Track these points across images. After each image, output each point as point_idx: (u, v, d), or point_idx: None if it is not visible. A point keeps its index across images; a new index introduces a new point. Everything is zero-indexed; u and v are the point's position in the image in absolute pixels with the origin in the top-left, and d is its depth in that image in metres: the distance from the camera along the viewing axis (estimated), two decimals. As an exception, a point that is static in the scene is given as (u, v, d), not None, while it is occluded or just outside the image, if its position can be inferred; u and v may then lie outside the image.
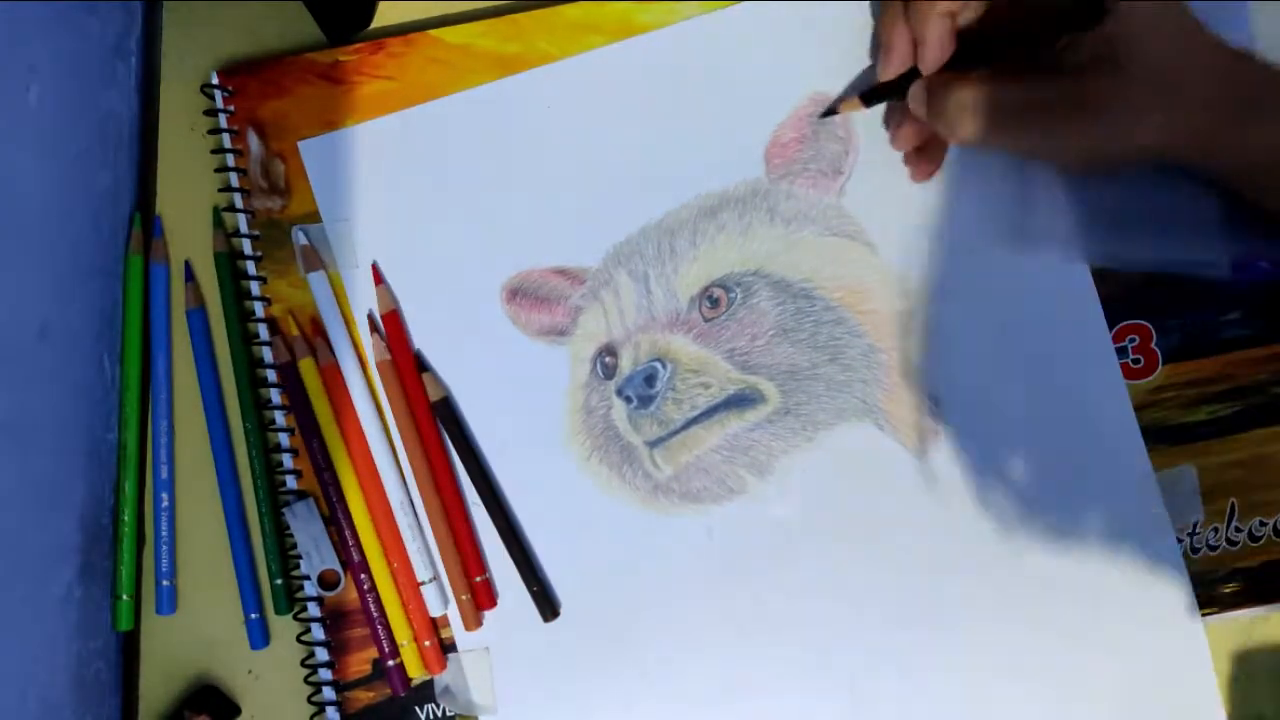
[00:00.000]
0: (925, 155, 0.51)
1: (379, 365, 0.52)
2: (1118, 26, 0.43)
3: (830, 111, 0.52)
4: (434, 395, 0.52)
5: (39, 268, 0.47)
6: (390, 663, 0.51)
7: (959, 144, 0.50)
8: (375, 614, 0.51)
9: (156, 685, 0.53)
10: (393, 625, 0.51)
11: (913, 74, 0.49)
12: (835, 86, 0.52)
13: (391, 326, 0.52)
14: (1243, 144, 0.44)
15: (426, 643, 0.51)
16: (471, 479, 0.52)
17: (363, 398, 0.52)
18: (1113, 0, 0.44)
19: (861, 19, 0.53)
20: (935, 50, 0.47)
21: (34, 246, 0.47)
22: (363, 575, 0.52)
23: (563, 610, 0.51)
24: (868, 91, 0.50)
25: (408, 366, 0.52)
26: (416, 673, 0.51)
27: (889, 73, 0.49)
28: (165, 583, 0.52)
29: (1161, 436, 0.51)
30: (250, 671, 0.53)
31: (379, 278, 0.53)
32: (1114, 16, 0.43)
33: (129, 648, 0.53)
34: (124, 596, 0.52)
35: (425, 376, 0.52)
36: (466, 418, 0.52)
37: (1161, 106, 0.44)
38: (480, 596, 0.51)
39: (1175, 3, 0.44)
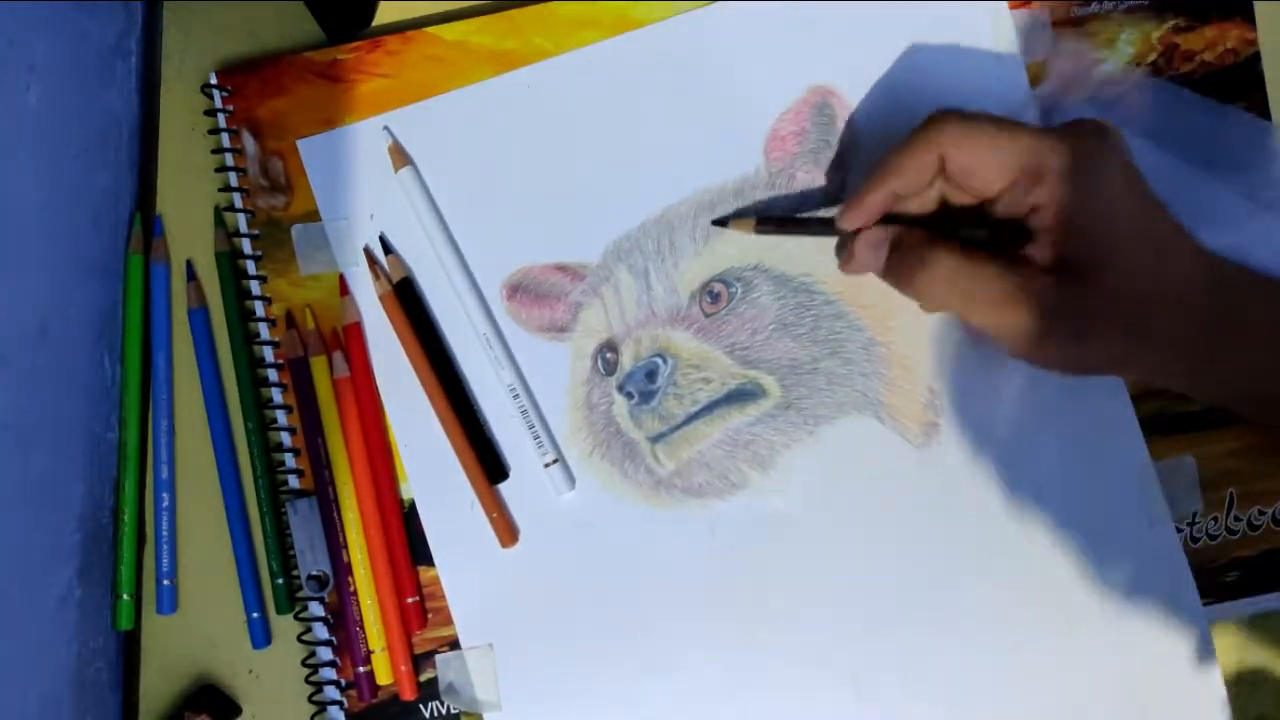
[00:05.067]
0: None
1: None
2: (1094, 228, 0.42)
3: (721, 223, 0.52)
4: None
5: (39, 267, 0.47)
6: (360, 669, 0.51)
7: (915, 301, 0.48)
8: (355, 619, 0.51)
9: (157, 685, 0.53)
10: (367, 632, 0.51)
11: (822, 220, 0.49)
12: (833, 80, 0.52)
13: (353, 340, 0.53)
14: (1213, 375, 0.44)
15: (403, 667, 0.51)
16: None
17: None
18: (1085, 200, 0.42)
19: (859, 12, 0.53)
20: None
21: (34, 246, 0.47)
22: (348, 578, 0.52)
23: (567, 607, 0.51)
24: (767, 218, 0.50)
25: (365, 385, 0.53)
26: (385, 679, 0.51)
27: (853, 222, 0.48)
28: (166, 582, 0.52)
29: (1160, 427, 0.51)
30: (251, 671, 0.53)
31: (345, 288, 0.53)
32: (1091, 213, 0.42)
33: (129, 647, 0.53)
34: (124, 596, 0.51)
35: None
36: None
37: (1127, 334, 0.43)
38: (410, 618, 0.52)
39: (1158, 214, 0.43)
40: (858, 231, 0.47)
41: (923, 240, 0.46)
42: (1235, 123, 0.51)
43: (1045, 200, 0.43)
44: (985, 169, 0.44)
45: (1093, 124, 0.44)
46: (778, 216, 0.51)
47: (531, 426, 0.52)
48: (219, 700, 0.52)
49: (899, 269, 0.46)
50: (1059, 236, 0.43)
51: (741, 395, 0.52)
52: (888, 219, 0.47)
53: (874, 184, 0.46)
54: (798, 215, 0.51)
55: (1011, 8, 0.52)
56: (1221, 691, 0.50)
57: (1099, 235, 0.42)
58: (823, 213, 0.52)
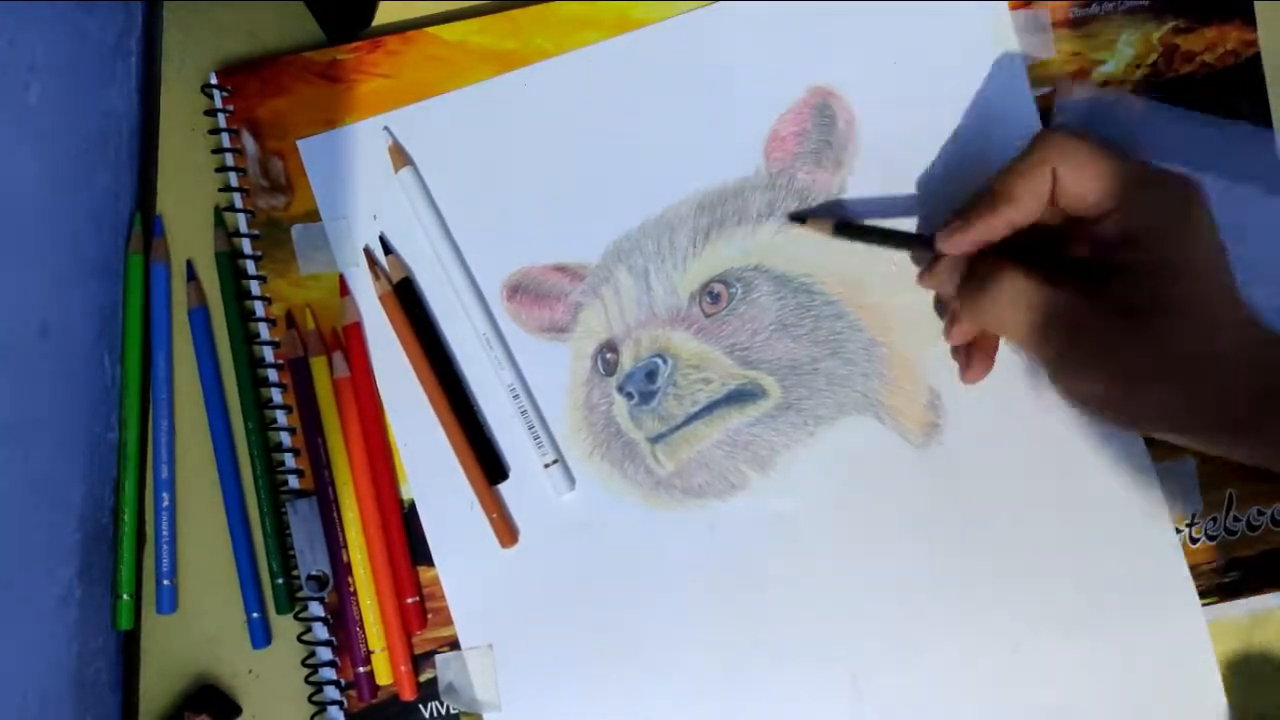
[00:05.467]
0: (979, 352, 0.50)
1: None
2: (1179, 275, 0.42)
3: (798, 219, 0.52)
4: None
5: (39, 267, 0.47)
6: (361, 669, 0.51)
7: (988, 330, 0.49)
8: (355, 619, 0.51)
9: (156, 685, 0.53)
10: (367, 632, 0.51)
11: (906, 235, 0.49)
12: (833, 81, 0.52)
13: (353, 340, 0.53)
14: (1260, 437, 0.43)
15: (403, 667, 0.51)
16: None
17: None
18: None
19: (859, 13, 0.53)
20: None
21: (34, 246, 0.47)
22: (348, 578, 0.52)
23: (567, 607, 0.51)
24: (846, 224, 0.50)
25: (365, 385, 0.53)
26: (385, 679, 0.51)
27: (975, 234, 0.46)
28: (166, 582, 0.52)
29: (1160, 428, 0.51)
30: (251, 671, 0.53)
31: (345, 289, 0.53)
32: (1180, 259, 0.42)
33: (129, 647, 0.53)
34: (124, 596, 0.51)
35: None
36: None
37: (1186, 397, 0.43)
38: (410, 619, 0.52)
39: (1229, 276, 0.43)
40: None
41: (995, 262, 0.45)
42: (1236, 136, 0.52)
43: (1139, 231, 0.43)
44: (1092, 185, 0.43)
45: (1185, 176, 0.44)
46: (858, 225, 0.51)
47: (531, 427, 0.52)
48: (219, 700, 0.52)
49: (969, 293, 0.46)
50: (1145, 273, 0.43)
51: (741, 396, 0.52)
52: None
53: (988, 213, 0.45)
54: (880, 226, 0.50)
55: (1012, 8, 0.52)
56: (1220, 691, 0.50)
57: (1182, 282, 0.42)
58: (904, 223, 0.52)
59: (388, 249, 0.53)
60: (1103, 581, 0.50)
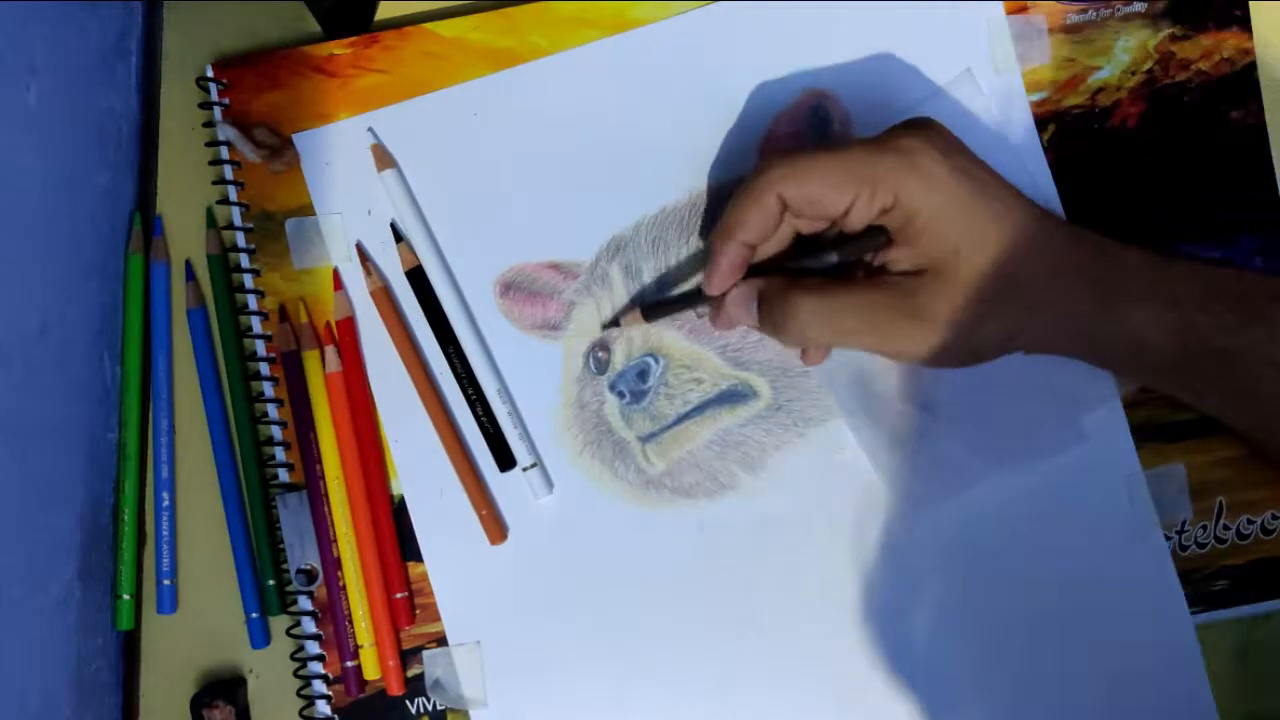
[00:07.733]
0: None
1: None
2: (935, 221, 0.44)
3: (613, 323, 0.52)
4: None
5: (39, 267, 0.48)
6: (348, 663, 0.52)
7: (795, 347, 0.51)
8: (344, 613, 0.52)
9: (156, 685, 0.53)
10: (355, 626, 0.52)
11: (697, 291, 0.49)
12: (828, 83, 0.52)
13: (346, 335, 0.53)
14: (1120, 329, 0.45)
15: (390, 662, 0.52)
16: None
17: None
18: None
19: (855, 16, 0.52)
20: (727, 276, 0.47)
21: (34, 246, 0.47)
22: (337, 573, 0.52)
23: (555, 605, 0.52)
24: (649, 305, 0.51)
25: (357, 380, 0.53)
26: (373, 674, 0.52)
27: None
28: (166, 582, 0.53)
29: (1151, 434, 0.51)
30: (251, 671, 0.53)
31: (338, 283, 0.54)
32: (928, 207, 0.43)
33: (129, 647, 0.54)
34: (125, 596, 0.52)
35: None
36: (457, 411, 0.53)
37: (997, 314, 0.44)
38: (398, 614, 0.52)
39: (993, 191, 0.44)
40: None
41: (782, 289, 0.46)
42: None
43: (887, 204, 0.44)
44: (824, 195, 0.44)
45: (913, 121, 0.46)
46: (656, 301, 0.52)
47: (517, 427, 0.52)
48: (230, 687, 0.52)
49: (771, 323, 0.47)
50: (910, 236, 0.44)
51: (732, 396, 0.52)
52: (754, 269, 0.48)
53: (723, 245, 0.46)
54: (673, 295, 0.52)
55: (1008, 13, 0.52)
56: (1209, 698, 0.50)
57: (942, 225, 0.44)
58: (696, 281, 0.52)
59: (399, 236, 0.53)
60: (1093, 587, 0.50)
